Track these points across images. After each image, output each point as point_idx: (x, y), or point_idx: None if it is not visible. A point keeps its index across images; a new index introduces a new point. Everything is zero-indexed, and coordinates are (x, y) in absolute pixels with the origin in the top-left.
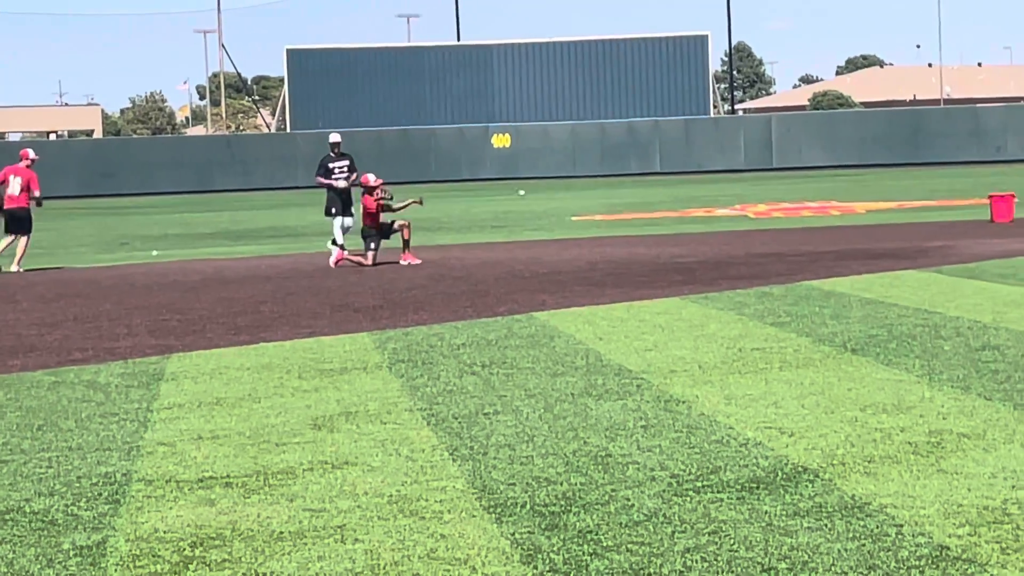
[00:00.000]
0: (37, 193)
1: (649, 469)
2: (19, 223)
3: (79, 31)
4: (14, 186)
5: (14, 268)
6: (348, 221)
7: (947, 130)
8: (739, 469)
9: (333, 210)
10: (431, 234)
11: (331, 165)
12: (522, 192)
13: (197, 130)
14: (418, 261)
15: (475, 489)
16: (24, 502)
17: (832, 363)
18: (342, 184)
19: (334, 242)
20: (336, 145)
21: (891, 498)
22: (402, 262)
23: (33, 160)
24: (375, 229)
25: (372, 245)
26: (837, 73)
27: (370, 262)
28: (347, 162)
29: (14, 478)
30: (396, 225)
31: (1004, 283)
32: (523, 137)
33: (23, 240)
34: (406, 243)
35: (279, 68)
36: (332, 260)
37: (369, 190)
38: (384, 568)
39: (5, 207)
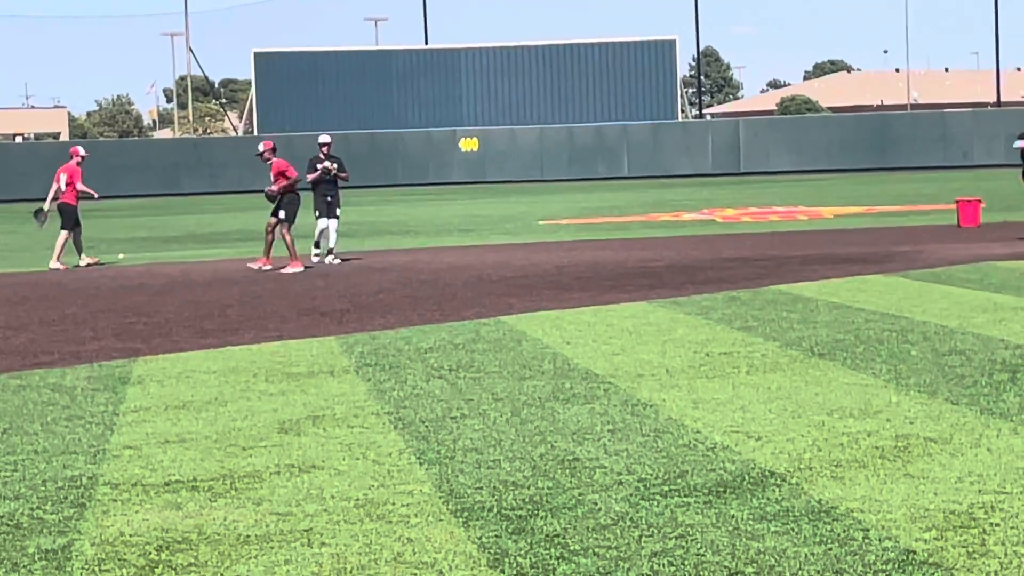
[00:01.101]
0: (80, 186)
1: (616, 473)
2: (63, 217)
3: (46, 33)
4: (62, 183)
5: (52, 264)
6: (330, 224)
7: (914, 135)
8: (706, 473)
9: (317, 212)
10: (399, 238)
11: (319, 166)
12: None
13: (164, 133)
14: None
15: (442, 493)
16: None
17: (799, 367)
18: (326, 166)
19: (317, 244)
20: (325, 146)
21: (858, 502)
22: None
23: (83, 157)
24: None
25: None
26: (805, 78)
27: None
28: (335, 165)
29: None
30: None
31: (971, 288)
32: (491, 141)
33: (63, 235)
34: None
35: (246, 71)
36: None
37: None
38: (351, 572)
39: (59, 201)
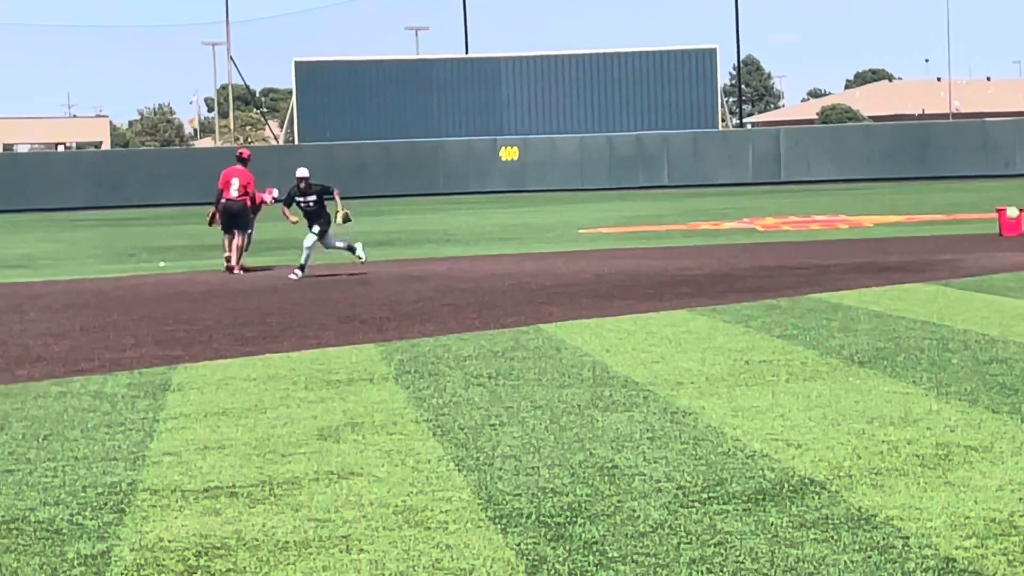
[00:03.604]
0: (249, 189)
1: (655, 480)
2: (232, 218)
3: (88, 43)
4: (233, 187)
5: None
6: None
7: (955, 144)
8: (745, 481)
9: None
10: (439, 246)
11: (297, 199)
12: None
13: (205, 142)
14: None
15: (481, 500)
16: (29, 511)
17: (839, 375)
18: (294, 220)
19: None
20: (302, 180)
21: (898, 510)
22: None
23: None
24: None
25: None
26: (846, 87)
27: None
28: (314, 197)
29: (20, 487)
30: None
31: (1012, 296)
32: (531, 150)
33: (238, 237)
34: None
35: (287, 80)
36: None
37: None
38: None
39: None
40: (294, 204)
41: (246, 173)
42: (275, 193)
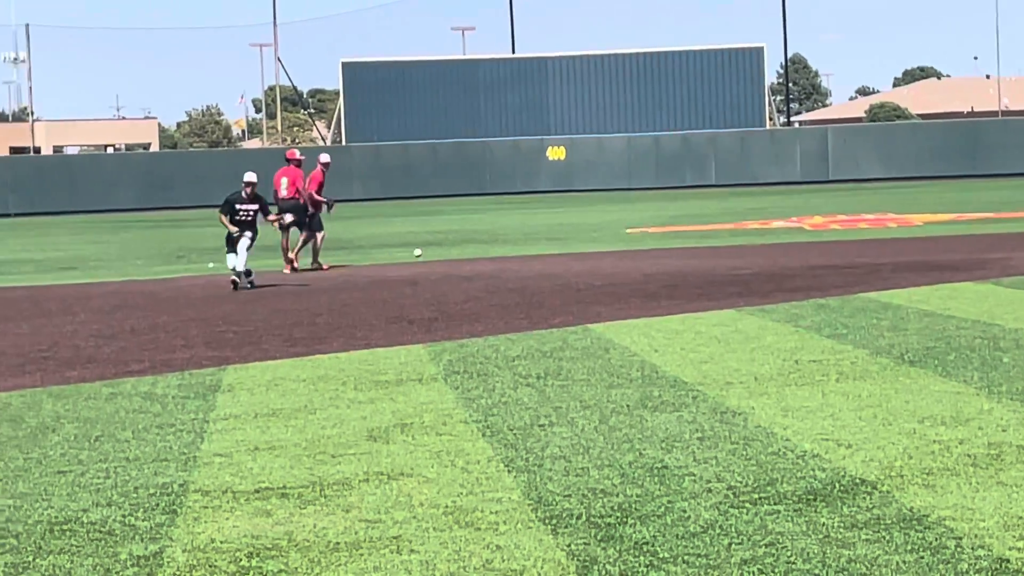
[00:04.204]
0: (299, 187)
1: (705, 481)
2: (290, 216)
3: (136, 45)
4: (283, 187)
5: (289, 266)
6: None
7: (1005, 142)
8: (796, 481)
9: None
10: (486, 246)
11: (237, 206)
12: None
13: (253, 143)
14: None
15: (531, 500)
16: (82, 512)
17: (890, 375)
18: (235, 230)
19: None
20: (249, 186)
21: (950, 510)
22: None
23: (299, 160)
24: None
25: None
26: (894, 85)
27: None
28: (256, 206)
29: (72, 488)
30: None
31: None
32: (578, 149)
33: (301, 236)
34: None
35: (335, 81)
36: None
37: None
38: None
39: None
40: (234, 214)
41: (294, 172)
42: (287, 219)
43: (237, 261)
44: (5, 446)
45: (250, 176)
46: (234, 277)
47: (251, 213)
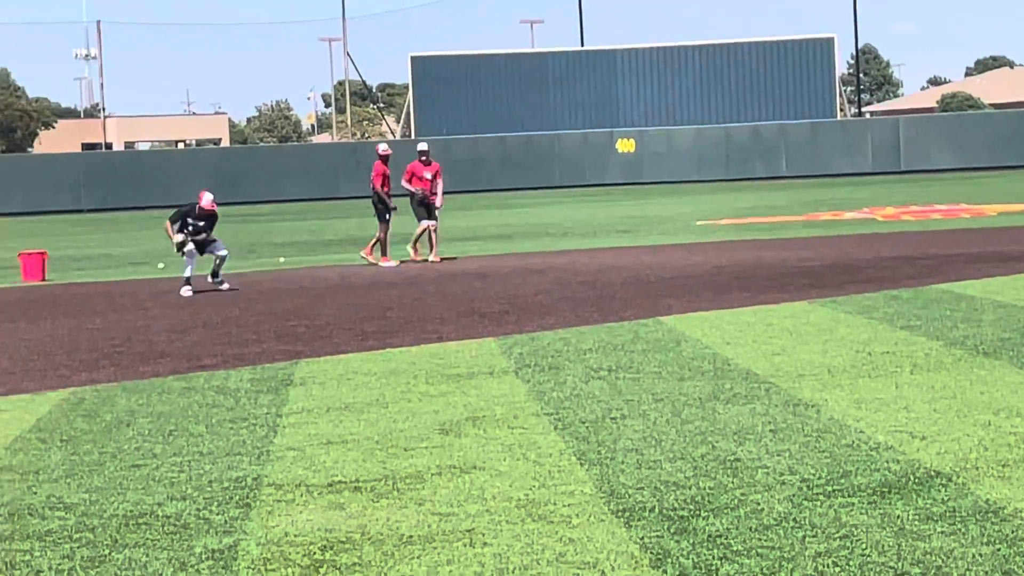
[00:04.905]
0: (376, 184)
1: (779, 473)
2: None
3: (206, 41)
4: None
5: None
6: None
7: None
8: (870, 473)
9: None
10: (556, 239)
11: (189, 221)
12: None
13: (323, 138)
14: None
15: (603, 493)
16: (156, 506)
17: (964, 366)
18: (189, 247)
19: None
20: (206, 209)
21: None
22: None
23: (382, 155)
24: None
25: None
26: (966, 74)
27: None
28: (207, 223)
29: (147, 482)
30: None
31: None
32: (648, 142)
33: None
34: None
35: (403, 75)
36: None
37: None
38: (513, 572)
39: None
40: (184, 226)
41: (375, 167)
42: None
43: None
44: (80, 440)
45: (207, 199)
46: (188, 286)
47: (201, 229)
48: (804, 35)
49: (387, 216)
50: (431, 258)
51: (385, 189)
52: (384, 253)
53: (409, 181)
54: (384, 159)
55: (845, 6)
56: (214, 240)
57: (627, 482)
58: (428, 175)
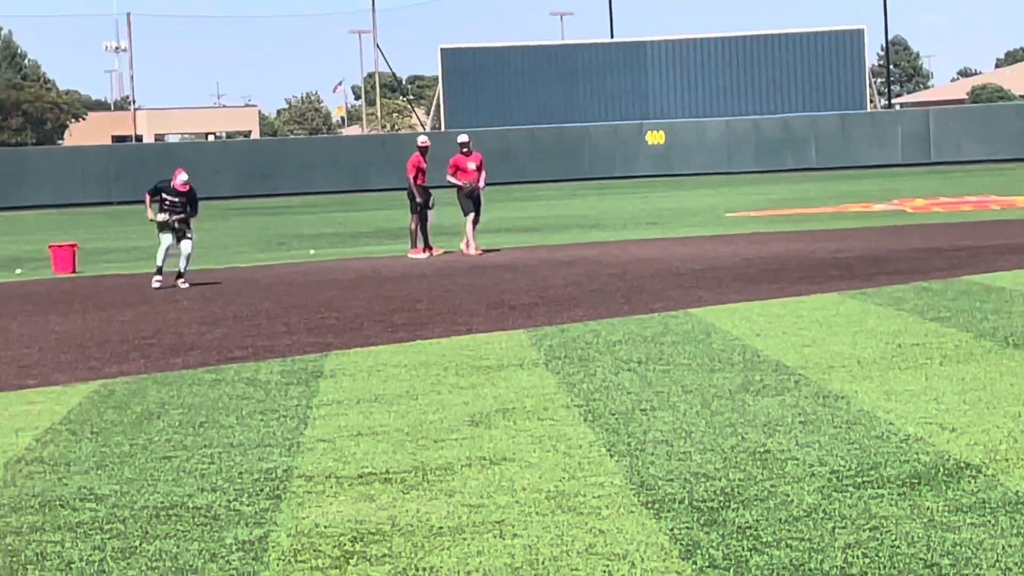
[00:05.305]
0: (409, 176)
1: (808, 465)
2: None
3: (236, 33)
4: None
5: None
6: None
7: None
8: (900, 465)
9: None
10: (586, 231)
11: (165, 196)
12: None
13: (353, 130)
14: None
15: (633, 485)
16: (187, 498)
17: (994, 358)
18: (162, 217)
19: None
20: (180, 184)
21: None
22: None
23: (420, 146)
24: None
25: None
26: (996, 66)
27: None
28: (183, 199)
29: (177, 474)
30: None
31: None
32: (677, 134)
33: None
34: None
35: (433, 67)
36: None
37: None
38: (543, 563)
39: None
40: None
41: (412, 158)
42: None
43: (161, 257)
44: (111, 432)
45: (180, 176)
46: (159, 277)
47: (177, 205)
48: (834, 27)
49: (421, 208)
50: (468, 251)
51: (419, 181)
52: (414, 244)
53: (454, 175)
54: (423, 151)
55: None
56: (188, 232)
57: (657, 474)
58: (472, 166)
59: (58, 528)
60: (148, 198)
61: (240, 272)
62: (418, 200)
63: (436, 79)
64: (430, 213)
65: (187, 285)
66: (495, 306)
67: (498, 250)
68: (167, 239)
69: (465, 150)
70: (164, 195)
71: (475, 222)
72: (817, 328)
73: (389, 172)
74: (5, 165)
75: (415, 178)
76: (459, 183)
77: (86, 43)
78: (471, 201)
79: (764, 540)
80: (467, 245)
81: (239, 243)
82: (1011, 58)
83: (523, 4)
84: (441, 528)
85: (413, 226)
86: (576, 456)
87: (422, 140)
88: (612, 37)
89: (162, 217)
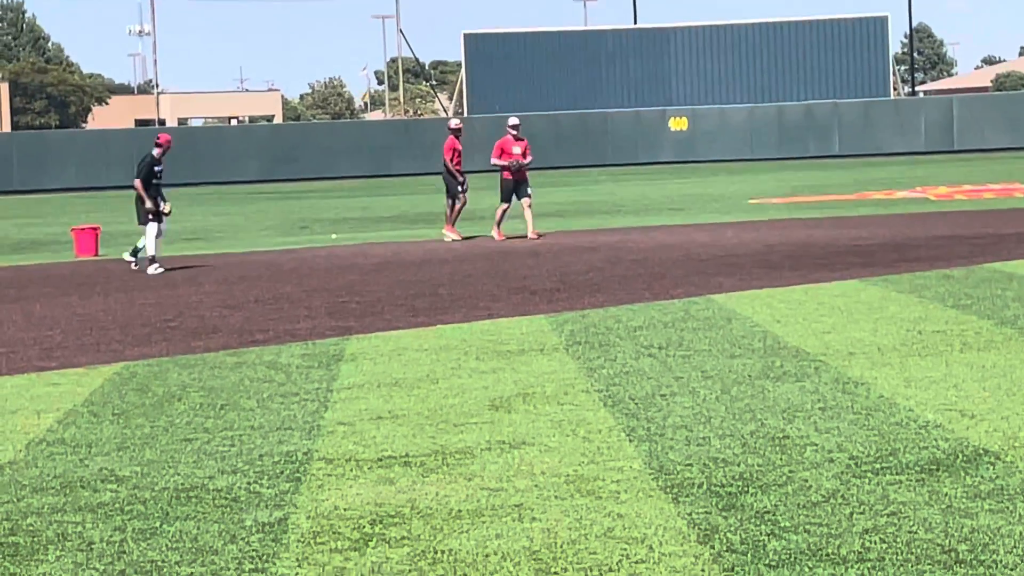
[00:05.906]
0: (446, 158)
1: (827, 451)
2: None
3: (260, 17)
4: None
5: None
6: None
7: None
8: (918, 451)
9: (150, 217)
10: (608, 217)
11: (156, 170)
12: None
13: (375, 115)
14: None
15: (652, 469)
16: (208, 480)
17: (1015, 345)
18: (161, 225)
19: (135, 251)
20: (159, 147)
21: None
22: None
23: (453, 129)
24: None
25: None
26: (1020, 54)
27: None
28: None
29: (198, 456)
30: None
31: None
32: (700, 120)
33: (451, 203)
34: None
35: (456, 53)
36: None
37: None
38: (561, 546)
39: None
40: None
41: (447, 141)
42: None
43: (154, 244)
44: (132, 414)
45: (157, 148)
46: (156, 264)
47: (160, 176)
48: (858, 13)
49: (458, 190)
50: (529, 235)
51: (456, 163)
52: (452, 224)
53: (499, 157)
54: (456, 133)
55: None
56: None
57: (676, 458)
58: (517, 151)
59: (79, 509)
60: (140, 185)
61: (262, 256)
62: (459, 180)
63: (459, 64)
64: (464, 197)
65: (136, 267)
66: (516, 291)
67: (536, 236)
68: (158, 226)
69: (515, 133)
70: (155, 169)
71: (529, 206)
72: (838, 315)
73: (412, 157)
74: (29, 148)
75: (451, 159)
76: (505, 163)
77: (109, 27)
78: (513, 184)
79: (782, 525)
80: (499, 232)
81: (261, 227)
82: None
83: None
84: (460, 511)
85: (448, 209)
86: (595, 441)
87: (455, 123)
88: (635, 23)
89: (167, 208)
